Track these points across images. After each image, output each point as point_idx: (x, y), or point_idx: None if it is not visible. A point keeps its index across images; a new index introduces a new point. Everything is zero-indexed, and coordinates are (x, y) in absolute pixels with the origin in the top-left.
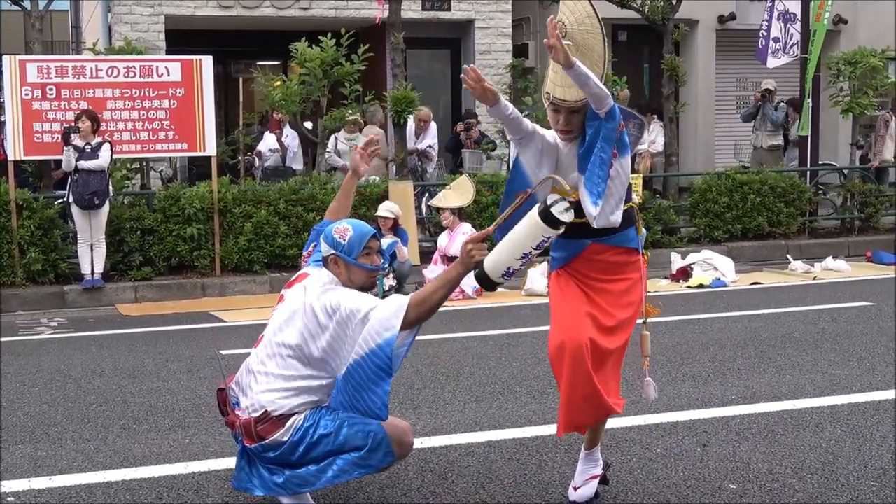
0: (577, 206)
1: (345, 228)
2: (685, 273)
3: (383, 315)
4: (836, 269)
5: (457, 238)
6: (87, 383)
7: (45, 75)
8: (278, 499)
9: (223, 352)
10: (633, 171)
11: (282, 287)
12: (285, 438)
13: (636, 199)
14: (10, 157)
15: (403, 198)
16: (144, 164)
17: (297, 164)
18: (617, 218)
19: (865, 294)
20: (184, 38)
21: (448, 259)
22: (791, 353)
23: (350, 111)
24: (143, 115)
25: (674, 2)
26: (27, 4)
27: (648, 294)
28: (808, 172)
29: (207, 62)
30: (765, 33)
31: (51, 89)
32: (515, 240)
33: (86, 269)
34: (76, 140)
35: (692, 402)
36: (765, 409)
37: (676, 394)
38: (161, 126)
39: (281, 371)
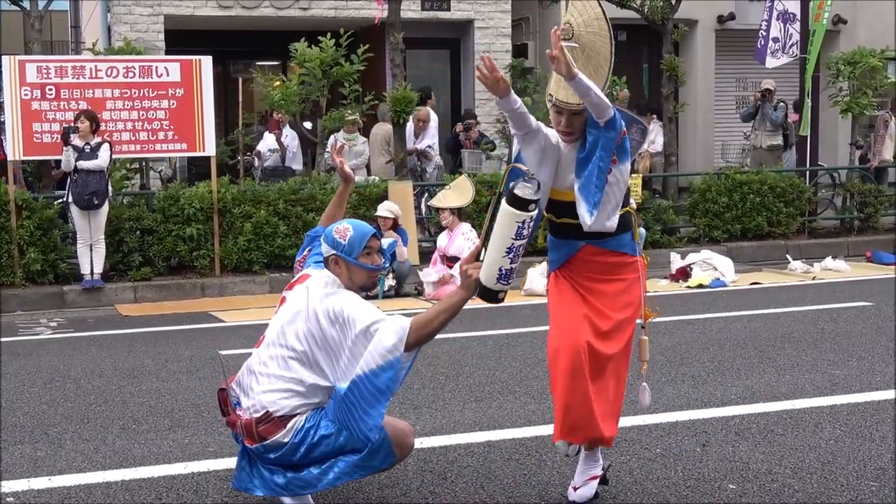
0: (537, 182)
1: (345, 228)
2: (684, 273)
3: (386, 338)
4: (835, 269)
5: (456, 238)
6: (86, 383)
7: (45, 75)
8: (279, 499)
9: (223, 352)
10: (633, 171)
11: (281, 287)
12: (286, 439)
13: (633, 203)
14: (10, 158)
15: (403, 198)
16: (144, 164)
17: (297, 165)
18: (613, 223)
19: (865, 294)
20: (183, 38)
21: (447, 259)
22: (790, 353)
23: (349, 111)
24: (143, 115)
25: (673, 2)
26: (26, 4)
27: (647, 296)
28: (808, 172)
29: (207, 62)
30: (764, 33)
31: (50, 89)
32: (495, 238)
33: (85, 269)
34: (75, 140)
35: (691, 402)
36: (764, 409)
37: (676, 394)
38: (160, 126)
39: (283, 372)
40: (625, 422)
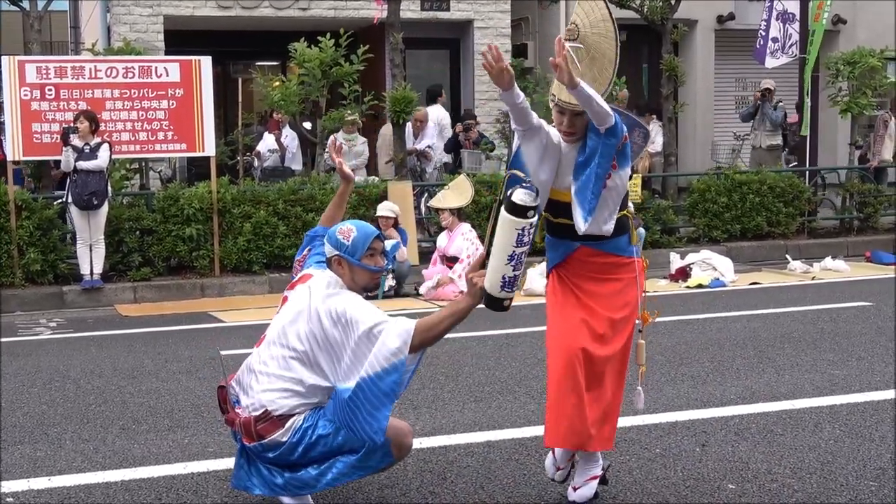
0: (535, 188)
1: (349, 229)
2: (684, 273)
3: (391, 340)
4: (834, 269)
5: (456, 238)
6: (86, 384)
7: (44, 76)
8: (278, 499)
9: (222, 352)
10: (633, 171)
11: (281, 287)
12: (284, 439)
13: (632, 206)
14: (10, 158)
15: (402, 198)
16: (143, 164)
17: (296, 165)
18: (609, 228)
19: (864, 294)
20: (183, 38)
21: (447, 259)
22: (790, 353)
23: (349, 111)
24: (142, 115)
25: (673, 2)
26: (26, 5)
27: (646, 297)
28: (808, 172)
29: (206, 62)
30: (763, 33)
31: (50, 90)
32: (497, 246)
33: (85, 269)
34: (75, 140)
35: (691, 402)
36: (764, 409)
37: (675, 394)
38: (160, 126)
39: (283, 372)
40: (624, 422)
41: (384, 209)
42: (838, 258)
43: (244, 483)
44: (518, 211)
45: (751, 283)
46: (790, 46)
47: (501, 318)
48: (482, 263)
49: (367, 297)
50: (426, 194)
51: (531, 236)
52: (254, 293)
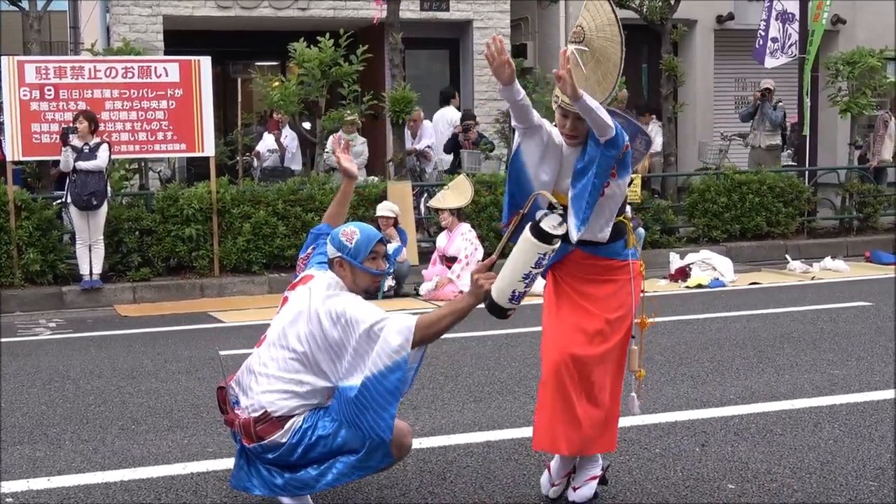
0: (563, 214)
1: (352, 232)
2: (684, 273)
3: (392, 338)
4: (834, 268)
5: (455, 238)
6: (85, 384)
7: (44, 76)
8: (277, 500)
9: (222, 352)
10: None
11: (281, 287)
12: (284, 440)
13: (629, 211)
14: (9, 158)
15: (402, 198)
16: (143, 164)
17: (296, 165)
18: (605, 235)
19: (864, 294)
20: (182, 38)
21: (446, 259)
22: (790, 353)
23: (348, 111)
24: (142, 115)
25: (672, 2)
26: (25, 5)
27: (644, 302)
28: (807, 172)
29: (206, 63)
30: (763, 33)
31: (49, 90)
32: (514, 263)
33: (84, 269)
34: (74, 140)
35: (691, 402)
36: (763, 409)
37: (675, 394)
38: (159, 126)
39: (282, 373)
40: (624, 422)
41: (384, 209)
42: (838, 258)
43: (244, 483)
44: (544, 237)
45: (750, 283)
46: (790, 46)
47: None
48: (490, 266)
49: (367, 297)
50: (426, 194)
51: (550, 260)
52: (253, 293)
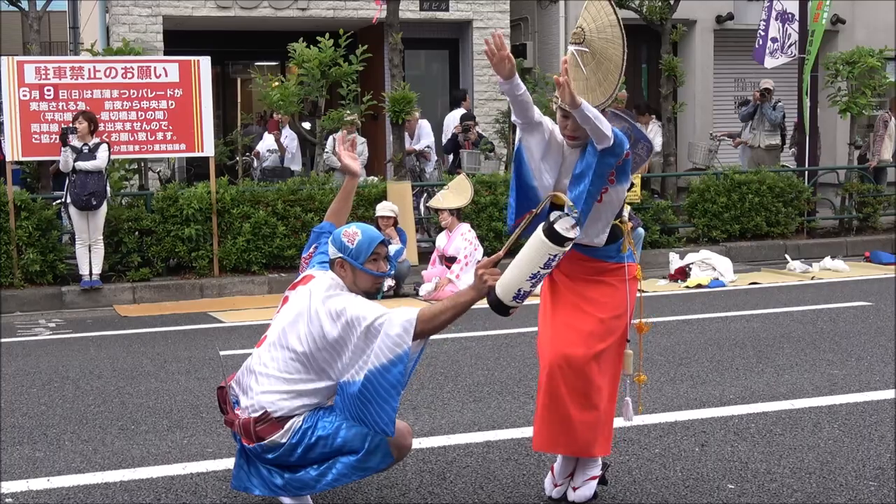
0: (578, 218)
1: (354, 233)
2: (683, 273)
3: (394, 330)
4: (834, 268)
5: (455, 238)
6: (85, 384)
7: (43, 76)
8: (278, 500)
9: (221, 352)
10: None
11: (280, 287)
12: (284, 440)
13: (626, 215)
14: (9, 158)
15: (401, 198)
16: (142, 164)
17: (296, 165)
18: (601, 239)
19: (864, 294)
20: (182, 38)
21: (446, 259)
22: (789, 353)
23: (348, 111)
24: (141, 115)
25: (672, 2)
26: (25, 5)
27: (642, 302)
28: (807, 172)
29: (205, 63)
30: (762, 33)
31: (49, 90)
32: (523, 261)
33: (84, 269)
34: (74, 141)
35: (690, 402)
36: (763, 409)
37: (675, 394)
38: (159, 126)
39: (283, 373)
40: (623, 422)
41: (384, 209)
42: (837, 258)
43: (244, 483)
44: (557, 239)
45: (750, 283)
46: (789, 46)
47: (501, 319)
48: (496, 262)
49: (366, 297)
50: (425, 194)
51: (559, 261)
52: (253, 293)
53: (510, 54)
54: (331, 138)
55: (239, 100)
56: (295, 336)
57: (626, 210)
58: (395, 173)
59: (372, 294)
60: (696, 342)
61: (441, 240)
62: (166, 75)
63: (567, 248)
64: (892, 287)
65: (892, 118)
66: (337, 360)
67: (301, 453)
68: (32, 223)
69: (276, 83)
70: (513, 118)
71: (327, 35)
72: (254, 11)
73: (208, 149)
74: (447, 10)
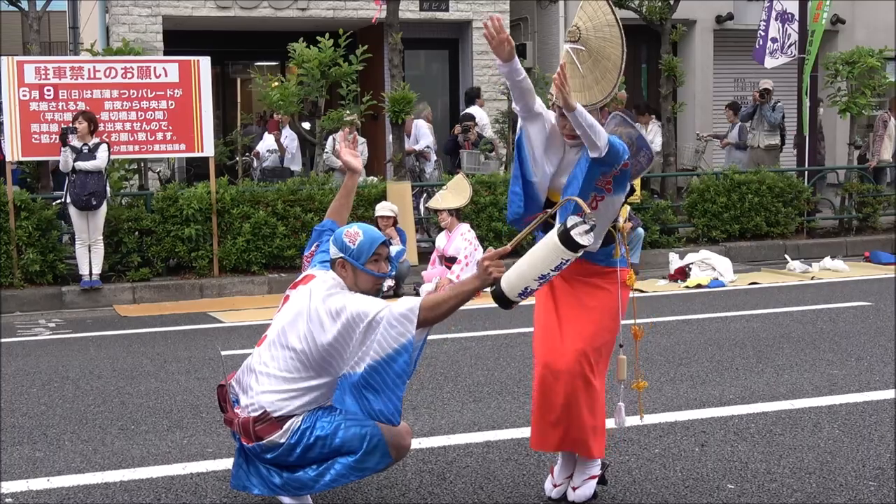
0: (594, 225)
1: (355, 233)
2: (683, 273)
3: (397, 320)
4: (834, 268)
5: (455, 239)
6: (85, 384)
7: (43, 76)
8: (277, 500)
9: (222, 353)
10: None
11: (280, 287)
12: (283, 440)
13: (621, 220)
14: (8, 158)
15: (401, 198)
16: (142, 164)
17: (296, 166)
18: (595, 246)
19: (863, 294)
20: (182, 38)
21: (446, 259)
22: (789, 353)
23: (348, 112)
24: (141, 115)
25: (671, 2)
26: (25, 5)
27: (635, 307)
28: (807, 172)
29: (205, 63)
30: (763, 33)
31: (48, 90)
32: (534, 261)
33: (84, 269)
34: (73, 141)
35: (690, 402)
36: (763, 409)
37: (674, 394)
38: (159, 127)
39: (282, 372)
40: (628, 421)
41: (383, 209)
42: (837, 258)
43: (243, 483)
44: (572, 245)
45: (750, 283)
46: (789, 46)
47: (500, 318)
48: (502, 255)
49: None
50: (425, 194)
51: (569, 265)
52: (253, 293)
53: (509, 36)
54: (331, 138)
55: (239, 100)
56: (295, 335)
57: (626, 210)
58: (395, 173)
59: (372, 294)
60: (696, 342)
61: (441, 240)
62: (166, 75)
63: (580, 254)
64: (892, 287)
65: (892, 118)
66: (338, 357)
67: (300, 453)
68: (32, 223)
69: (276, 83)
70: (513, 106)
71: (327, 35)
72: (254, 11)
73: (208, 149)
74: (447, 10)
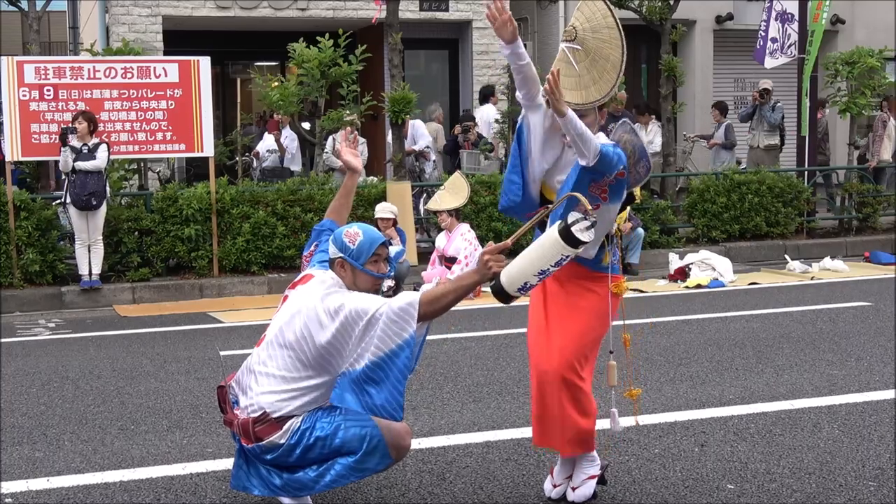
0: (595, 221)
1: (355, 233)
2: (683, 273)
3: (397, 315)
4: (833, 269)
5: (455, 239)
6: (84, 384)
7: (43, 76)
8: (277, 500)
9: (221, 353)
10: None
11: (280, 287)
12: (282, 441)
13: (615, 226)
14: (8, 158)
15: (401, 198)
16: (142, 164)
17: (296, 166)
18: (591, 254)
19: (863, 294)
20: (181, 38)
21: (446, 260)
22: (789, 354)
23: (347, 112)
24: (141, 115)
25: (671, 2)
26: (25, 5)
27: (625, 310)
28: (806, 172)
29: (205, 63)
30: (763, 34)
31: (48, 90)
32: (534, 256)
33: (83, 269)
34: (73, 141)
35: (690, 403)
36: (763, 410)
37: (674, 394)
38: (159, 127)
39: (282, 372)
40: (623, 422)
41: (383, 210)
42: (837, 258)
43: (243, 483)
44: (572, 241)
45: (750, 284)
46: (789, 47)
47: (500, 319)
48: (502, 250)
49: None
50: (425, 195)
51: (569, 261)
52: (252, 293)
53: (511, 17)
54: (330, 138)
55: (239, 100)
56: (293, 334)
57: (626, 211)
58: (395, 173)
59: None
60: (695, 342)
61: (441, 240)
62: (166, 75)
63: (580, 251)
64: (892, 287)
65: (892, 118)
66: (337, 355)
67: (299, 454)
68: (32, 223)
69: (276, 83)
70: (517, 94)
71: (327, 35)
72: (253, 11)
73: (208, 149)
74: (447, 10)
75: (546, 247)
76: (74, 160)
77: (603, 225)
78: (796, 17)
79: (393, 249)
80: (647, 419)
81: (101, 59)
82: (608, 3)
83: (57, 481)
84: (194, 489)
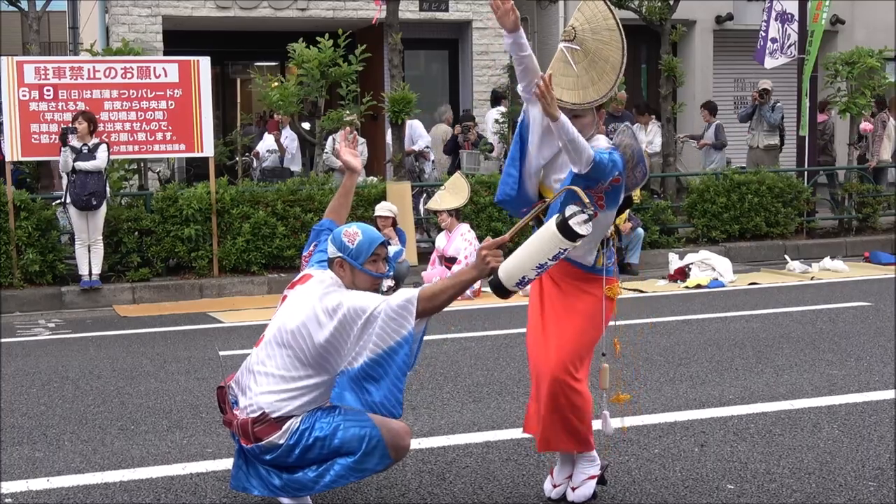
0: (594, 218)
1: (354, 233)
2: (683, 273)
3: (396, 312)
4: (833, 269)
5: (455, 239)
6: (84, 384)
7: (43, 76)
8: (277, 500)
9: (221, 353)
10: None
11: (280, 287)
12: (282, 441)
13: (611, 229)
14: (8, 158)
15: (401, 198)
16: (142, 164)
17: (296, 166)
18: (588, 260)
19: (863, 294)
20: (181, 38)
21: (446, 260)
22: (789, 354)
23: (347, 112)
24: (141, 115)
25: (671, 2)
26: (24, 5)
27: (614, 324)
28: (806, 172)
29: (205, 63)
30: (763, 34)
31: (48, 90)
32: (531, 250)
33: (83, 270)
34: (73, 141)
35: (690, 403)
36: (762, 410)
37: (674, 394)
38: (158, 127)
39: (280, 371)
40: (615, 424)
41: (383, 209)
42: (837, 258)
43: (242, 484)
44: (570, 234)
45: (749, 284)
46: (789, 47)
47: (500, 319)
48: (500, 244)
49: None
50: (425, 195)
51: (566, 254)
52: (252, 294)
53: (514, 6)
54: (330, 139)
55: (238, 100)
56: (292, 333)
57: (626, 211)
58: (395, 173)
59: None
60: (695, 342)
61: (441, 240)
62: (166, 75)
63: (578, 244)
64: (892, 287)
65: (891, 118)
66: (335, 354)
67: (299, 454)
68: (32, 223)
69: (276, 83)
70: (518, 87)
71: (327, 35)
72: (253, 12)
73: (208, 149)
74: (447, 10)
75: (544, 240)
76: (74, 160)
77: (599, 230)
78: (796, 17)
79: (392, 249)
80: (647, 419)
81: (100, 60)
82: (609, 4)
83: (57, 481)
84: (194, 489)
